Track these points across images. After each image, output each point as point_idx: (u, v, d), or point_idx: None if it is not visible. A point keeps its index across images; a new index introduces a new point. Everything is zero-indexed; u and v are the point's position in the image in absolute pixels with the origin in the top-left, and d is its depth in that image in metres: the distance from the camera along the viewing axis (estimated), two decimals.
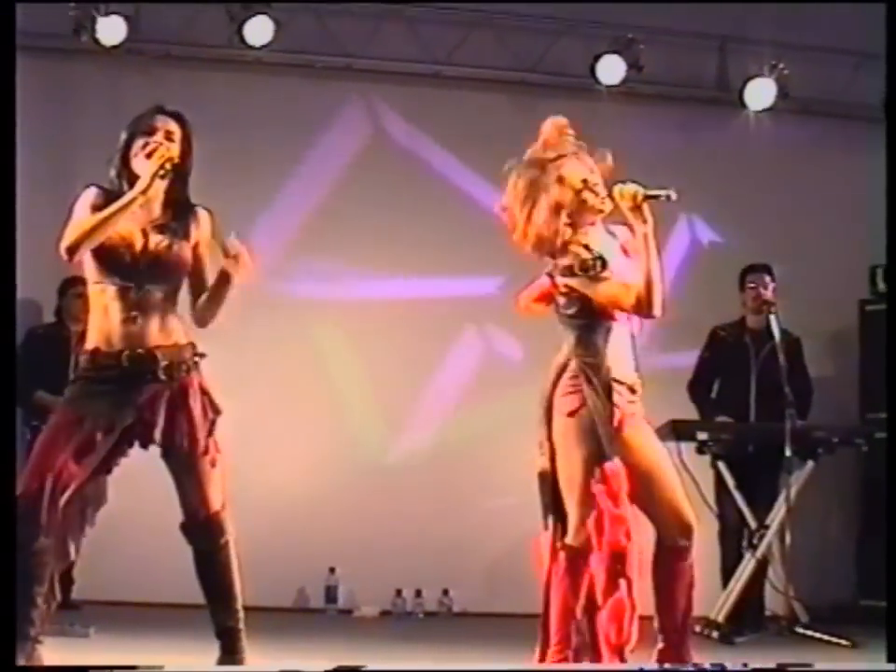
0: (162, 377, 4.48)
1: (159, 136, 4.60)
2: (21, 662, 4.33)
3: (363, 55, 8.54)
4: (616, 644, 4.46)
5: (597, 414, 4.51)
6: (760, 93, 8.86)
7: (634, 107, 8.68)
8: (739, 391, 7.70)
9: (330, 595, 8.34)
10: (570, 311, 4.60)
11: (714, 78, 9.09)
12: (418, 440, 8.61)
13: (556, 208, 4.53)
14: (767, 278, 7.74)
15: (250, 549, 8.20)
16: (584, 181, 4.57)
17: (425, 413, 8.69)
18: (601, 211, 4.60)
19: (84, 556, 7.53)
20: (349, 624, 8.06)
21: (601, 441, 4.50)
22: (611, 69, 8.66)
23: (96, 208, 4.54)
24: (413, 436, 8.62)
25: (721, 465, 7.56)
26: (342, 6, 8.40)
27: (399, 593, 8.39)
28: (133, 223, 4.55)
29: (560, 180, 4.54)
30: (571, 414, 4.53)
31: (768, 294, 7.64)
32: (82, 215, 4.56)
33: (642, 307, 4.52)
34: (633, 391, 4.65)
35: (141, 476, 7.83)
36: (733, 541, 7.61)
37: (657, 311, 4.53)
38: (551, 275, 4.62)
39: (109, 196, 4.58)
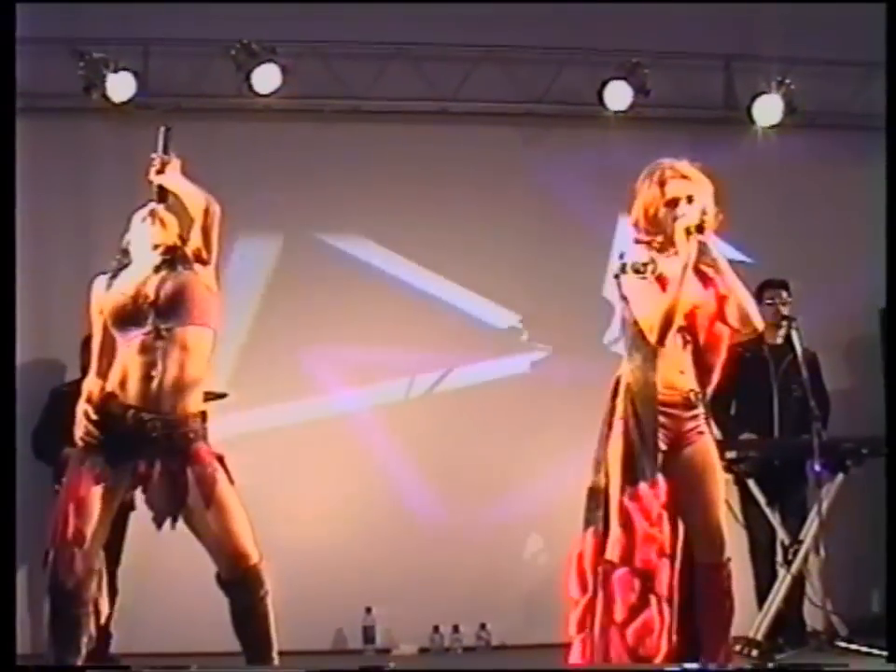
0: (161, 445, 4.54)
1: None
2: None
3: (370, 96, 8.59)
4: (645, 657, 4.52)
5: (638, 436, 4.57)
6: (767, 110, 8.86)
7: (643, 132, 8.68)
8: (761, 407, 7.69)
9: (368, 635, 8.33)
10: (625, 314, 4.71)
11: (721, 97, 9.10)
12: (448, 475, 8.60)
13: (644, 207, 4.81)
14: (784, 293, 7.74)
15: (285, 593, 8.20)
16: (673, 199, 4.71)
17: (452, 446, 8.69)
18: (670, 224, 4.76)
19: (121, 610, 7.63)
20: (388, 664, 8.04)
21: (641, 461, 4.56)
22: (618, 95, 8.68)
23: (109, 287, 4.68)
24: (443, 471, 8.61)
25: (752, 483, 7.55)
26: (347, 49, 8.45)
27: (436, 629, 8.37)
28: (133, 278, 4.66)
29: (660, 184, 4.79)
30: (620, 435, 4.61)
31: (786, 309, 7.65)
32: (98, 301, 4.70)
33: (650, 332, 4.62)
34: (690, 406, 4.69)
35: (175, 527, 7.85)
36: (764, 558, 7.59)
37: (661, 342, 4.62)
38: (617, 276, 4.73)
39: (117, 272, 4.72)
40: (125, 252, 4.83)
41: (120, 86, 8.20)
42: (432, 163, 8.72)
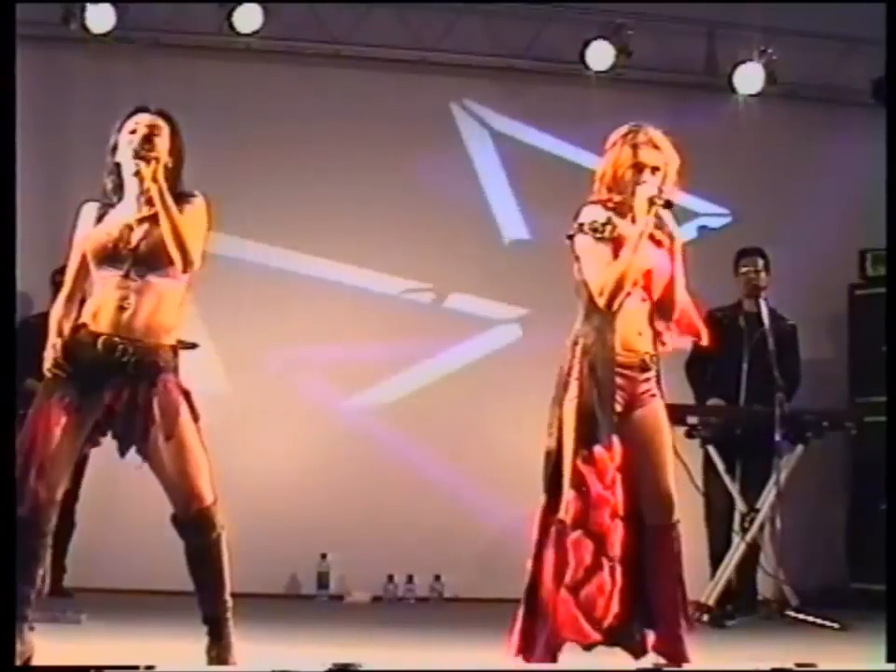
0: (130, 372, 4.51)
1: (143, 130, 4.63)
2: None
3: (351, 41, 8.54)
4: (597, 618, 4.56)
5: (596, 397, 4.59)
6: (748, 78, 8.88)
7: (623, 93, 8.69)
8: (731, 374, 7.72)
9: (322, 581, 8.36)
10: (581, 276, 4.72)
11: (703, 64, 9.10)
12: (408, 426, 8.62)
13: (613, 166, 4.78)
14: (760, 262, 7.76)
15: (242, 535, 8.19)
16: (639, 164, 4.75)
17: (413, 398, 8.70)
18: (631, 195, 4.76)
19: (77, 545, 7.63)
20: (341, 610, 8.08)
21: (597, 423, 4.58)
22: (600, 55, 8.67)
23: (98, 220, 4.64)
24: (403, 422, 8.63)
25: (711, 449, 7.58)
26: None
27: (390, 578, 8.41)
28: (120, 220, 4.61)
29: (632, 147, 4.77)
30: (576, 397, 4.62)
31: (760, 278, 7.68)
32: (84, 230, 4.65)
33: (600, 295, 4.63)
34: (645, 368, 4.72)
35: (131, 463, 7.86)
36: (720, 525, 7.64)
37: (609, 306, 4.63)
38: (570, 237, 4.72)
39: (107, 207, 4.66)
40: (118, 179, 4.70)
41: (100, 17, 8.13)
42: (410, 112, 8.68)
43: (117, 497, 7.95)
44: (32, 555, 4.46)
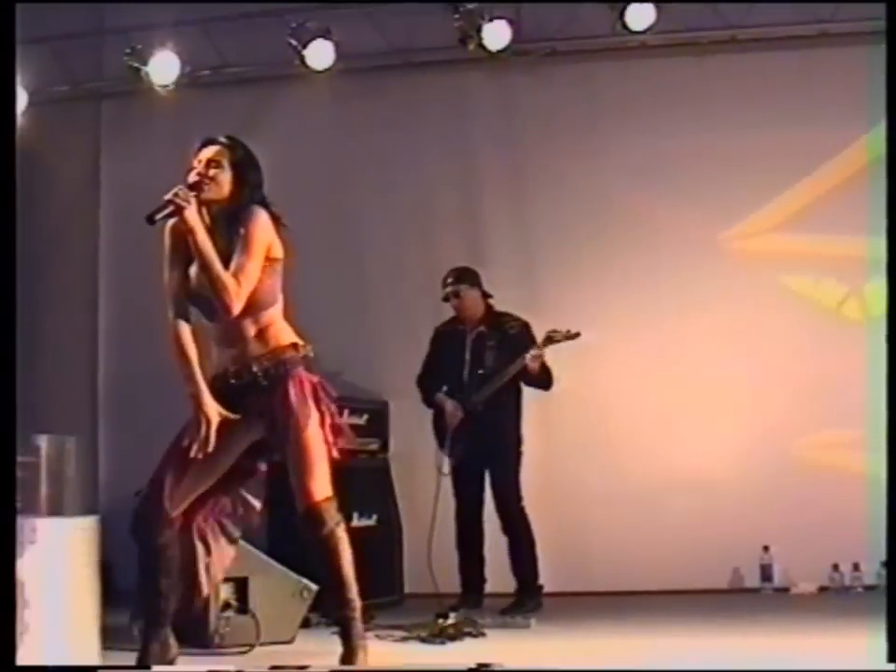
0: (264, 383, 4.64)
1: (201, 168, 4.69)
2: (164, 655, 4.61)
3: (746, 24, 8.38)
4: None
5: None
6: None
7: None
8: None
9: (766, 573, 8.23)
10: None
11: None
12: (847, 418, 8.37)
13: None
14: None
15: (683, 532, 8.23)
16: None
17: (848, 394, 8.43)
18: None
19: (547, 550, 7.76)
20: (786, 602, 7.93)
21: None
22: None
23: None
24: (842, 415, 8.38)
25: None
26: None
27: (835, 567, 8.19)
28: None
29: None
30: None
31: None
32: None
33: None
34: None
35: (596, 462, 7.95)
36: None
37: None
38: None
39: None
40: None
41: (496, 34, 8.29)
42: (815, 87, 8.44)
43: (581, 503, 8.14)
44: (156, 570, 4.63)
